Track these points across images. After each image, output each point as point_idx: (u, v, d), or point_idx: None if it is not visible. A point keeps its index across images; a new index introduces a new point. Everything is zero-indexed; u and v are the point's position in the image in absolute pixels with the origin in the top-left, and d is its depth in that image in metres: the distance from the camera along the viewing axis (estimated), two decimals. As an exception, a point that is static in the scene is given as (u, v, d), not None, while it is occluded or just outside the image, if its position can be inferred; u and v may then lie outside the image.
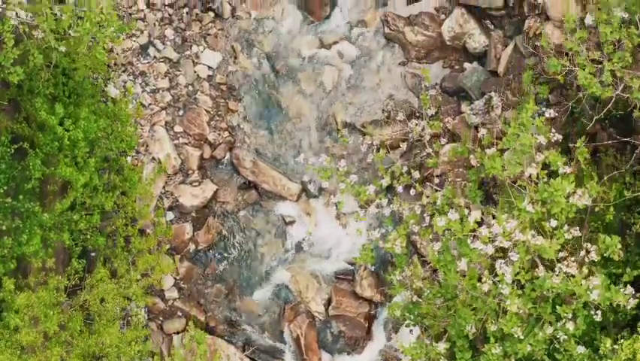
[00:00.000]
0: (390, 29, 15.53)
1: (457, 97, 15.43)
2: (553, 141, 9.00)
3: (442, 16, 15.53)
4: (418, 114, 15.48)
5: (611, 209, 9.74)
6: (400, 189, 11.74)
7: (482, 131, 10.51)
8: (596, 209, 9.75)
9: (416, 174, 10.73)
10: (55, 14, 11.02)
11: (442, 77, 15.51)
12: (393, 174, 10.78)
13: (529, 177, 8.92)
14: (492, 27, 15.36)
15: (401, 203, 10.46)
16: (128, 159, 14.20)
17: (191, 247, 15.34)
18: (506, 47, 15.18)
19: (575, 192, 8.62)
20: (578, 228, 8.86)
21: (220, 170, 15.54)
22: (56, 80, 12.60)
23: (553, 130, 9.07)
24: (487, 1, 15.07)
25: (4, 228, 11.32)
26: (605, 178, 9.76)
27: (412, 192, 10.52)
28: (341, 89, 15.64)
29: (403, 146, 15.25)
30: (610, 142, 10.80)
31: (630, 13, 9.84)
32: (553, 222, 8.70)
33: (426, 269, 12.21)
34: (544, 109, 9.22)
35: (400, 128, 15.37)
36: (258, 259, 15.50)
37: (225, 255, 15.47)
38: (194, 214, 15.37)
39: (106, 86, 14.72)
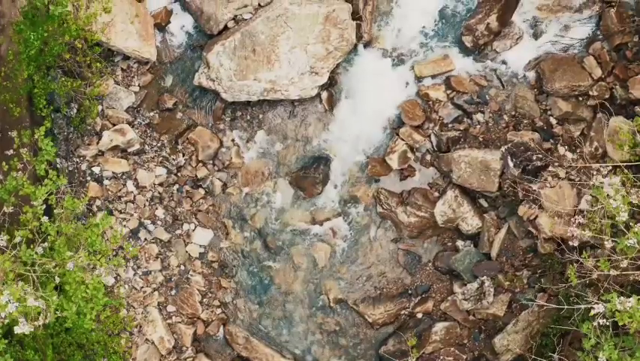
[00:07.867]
0: (383, 208, 15.26)
1: (449, 275, 15.37)
2: None
3: (436, 194, 15.26)
4: (410, 291, 15.49)
5: None
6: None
7: None
8: None
9: None
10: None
11: (434, 254, 15.40)
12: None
13: None
14: (486, 205, 15.15)
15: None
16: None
17: (188, 417, 15.67)
18: (499, 229, 15.02)
19: None
20: None
21: (214, 343, 15.63)
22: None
23: None
24: (481, 185, 14.83)
25: None
26: None
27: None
28: (333, 265, 15.52)
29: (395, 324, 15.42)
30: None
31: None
32: None
33: None
34: None
35: (392, 306, 15.36)
36: None
37: (221, 424, 15.80)
38: (189, 385, 15.63)
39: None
